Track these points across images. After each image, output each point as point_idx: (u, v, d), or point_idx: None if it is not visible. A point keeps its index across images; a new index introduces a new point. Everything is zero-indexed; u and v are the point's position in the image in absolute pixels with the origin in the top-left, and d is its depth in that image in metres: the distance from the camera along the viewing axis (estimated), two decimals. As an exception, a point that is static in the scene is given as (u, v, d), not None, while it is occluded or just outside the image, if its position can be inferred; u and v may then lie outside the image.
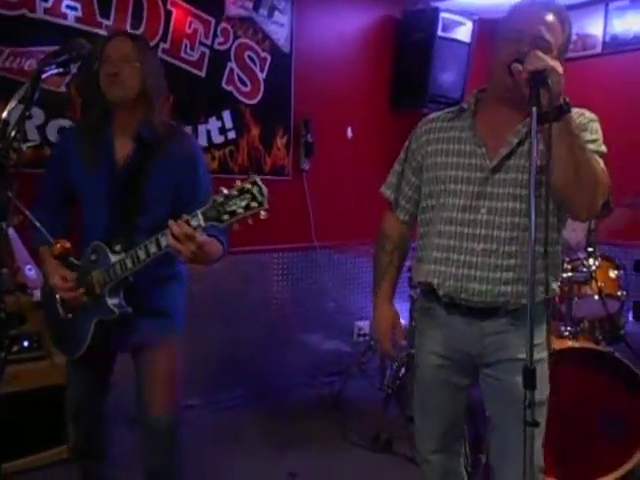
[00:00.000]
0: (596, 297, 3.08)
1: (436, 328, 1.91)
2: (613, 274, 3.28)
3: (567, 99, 1.55)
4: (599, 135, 1.76)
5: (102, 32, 3.18)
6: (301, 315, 4.24)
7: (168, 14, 3.42)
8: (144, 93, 2.00)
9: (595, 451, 2.71)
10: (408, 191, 1.99)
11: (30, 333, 2.78)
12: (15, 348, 2.79)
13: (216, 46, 3.63)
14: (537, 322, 1.81)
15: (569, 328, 2.94)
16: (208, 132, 3.67)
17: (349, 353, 4.35)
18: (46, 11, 3.03)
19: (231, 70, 3.71)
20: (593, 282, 3.06)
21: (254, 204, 1.62)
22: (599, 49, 4.37)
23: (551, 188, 1.57)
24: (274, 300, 4.13)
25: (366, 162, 4.33)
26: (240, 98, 3.77)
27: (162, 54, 3.42)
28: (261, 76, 3.84)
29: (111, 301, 1.96)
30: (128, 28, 3.27)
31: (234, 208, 1.62)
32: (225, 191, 1.62)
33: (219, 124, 3.71)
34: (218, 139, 3.72)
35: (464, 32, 4.29)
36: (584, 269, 3.06)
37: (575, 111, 1.74)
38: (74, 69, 1.93)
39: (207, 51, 3.60)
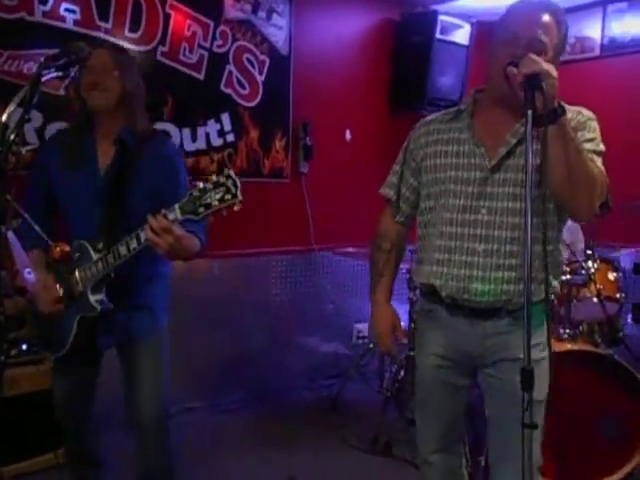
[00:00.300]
0: (595, 300, 3.08)
1: (437, 330, 1.91)
2: (612, 276, 3.29)
3: (562, 102, 1.56)
4: (597, 134, 1.76)
5: (101, 35, 3.19)
6: (300, 318, 4.24)
7: (167, 17, 3.42)
8: (124, 100, 2.09)
9: (594, 453, 2.71)
10: (406, 192, 1.99)
11: (29, 336, 2.77)
12: (14, 352, 2.79)
13: (215, 49, 3.63)
14: (537, 322, 1.81)
15: (568, 331, 2.95)
16: (207, 135, 3.67)
17: (348, 356, 4.34)
18: (45, 14, 3.03)
19: (230, 73, 3.71)
20: (592, 284, 3.06)
21: (228, 196, 1.70)
22: (597, 52, 4.39)
23: (549, 188, 1.57)
24: (273, 303, 4.12)
25: (365, 165, 4.33)
26: (239, 101, 3.77)
27: (161, 57, 3.43)
28: (260, 79, 3.84)
29: (93, 297, 2.01)
30: (126, 31, 3.28)
31: (209, 201, 1.70)
32: (201, 185, 1.71)
33: (218, 127, 3.71)
34: (217, 142, 3.72)
35: (462, 35, 4.30)
36: (583, 271, 3.06)
37: (573, 109, 1.75)
38: (73, 72, 1.95)
39: (206, 54, 3.60)
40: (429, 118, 1.96)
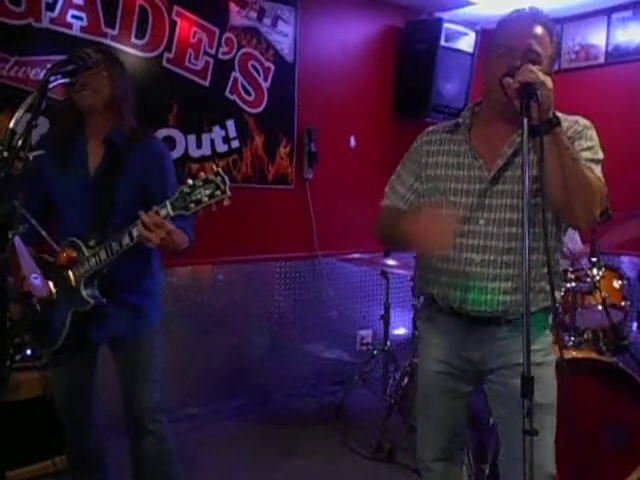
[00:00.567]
0: (600, 307, 3.07)
1: (438, 336, 1.92)
2: (617, 284, 3.27)
3: (556, 113, 1.57)
4: (595, 142, 1.76)
5: (107, 42, 3.20)
6: (303, 324, 4.23)
7: (173, 24, 3.44)
8: (113, 101, 2.14)
9: (600, 462, 2.70)
10: (406, 193, 1.96)
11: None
12: (18, 357, 2.79)
13: (220, 55, 3.65)
14: (539, 329, 1.81)
15: (573, 338, 2.94)
16: (212, 141, 3.68)
17: (351, 362, 4.33)
18: (52, 21, 3.05)
19: (235, 79, 3.72)
20: (597, 292, 3.05)
21: (218, 192, 1.77)
22: (602, 59, 4.39)
23: (547, 198, 1.58)
24: (277, 309, 4.12)
25: (369, 171, 4.33)
26: (244, 107, 3.79)
27: (167, 63, 3.44)
28: (265, 85, 3.86)
29: (85, 292, 2.06)
30: (133, 38, 3.30)
31: (199, 197, 1.77)
32: (190, 182, 1.78)
33: (223, 133, 3.72)
34: (222, 148, 3.73)
35: (467, 42, 4.31)
36: (588, 279, 3.05)
37: (569, 119, 1.77)
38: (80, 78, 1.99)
39: (211, 60, 3.61)
40: (430, 129, 1.98)
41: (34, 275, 2.01)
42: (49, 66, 1.64)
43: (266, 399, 4.03)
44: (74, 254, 2.06)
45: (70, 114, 2.18)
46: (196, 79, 3.57)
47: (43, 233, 2.06)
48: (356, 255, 4.18)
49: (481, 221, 1.78)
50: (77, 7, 3.11)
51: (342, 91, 4.23)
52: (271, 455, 3.30)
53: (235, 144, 3.78)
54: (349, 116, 4.29)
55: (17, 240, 1.83)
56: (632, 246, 3.78)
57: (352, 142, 4.34)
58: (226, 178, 1.78)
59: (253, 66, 3.79)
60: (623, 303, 3.25)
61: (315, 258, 4.19)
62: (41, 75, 2.95)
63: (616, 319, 3.13)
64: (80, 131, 2.19)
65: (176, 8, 3.44)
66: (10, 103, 2.88)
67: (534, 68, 1.57)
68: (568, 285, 3.05)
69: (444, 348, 1.90)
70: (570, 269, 3.09)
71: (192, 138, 3.59)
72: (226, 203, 1.78)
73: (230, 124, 3.74)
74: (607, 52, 4.36)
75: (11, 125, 1.40)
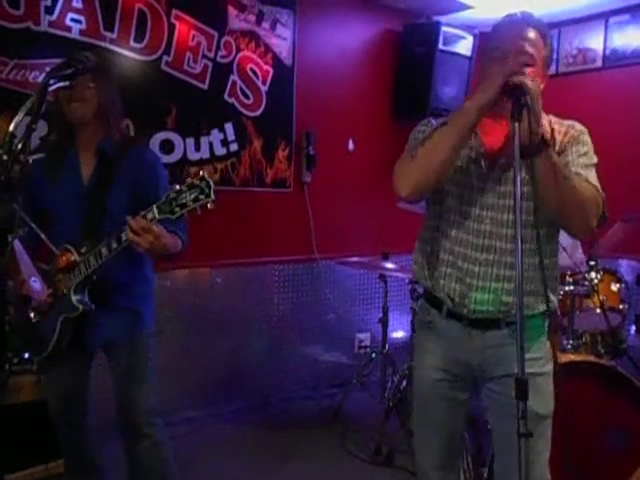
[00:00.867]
0: (598, 310, 3.08)
1: (436, 341, 1.92)
2: (615, 287, 3.28)
3: (546, 135, 1.59)
4: (590, 147, 1.78)
5: (106, 45, 3.20)
6: (302, 327, 4.23)
7: (171, 27, 3.44)
8: (101, 111, 2.16)
9: (598, 465, 2.69)
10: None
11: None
12: (16, 360, 2.78)
13: (219, 59, 3.65)
14: (537, 334, 1.82)
15: (571, 341, 2.95)
16: (210, 144, 3.68)
17: (350, 365, 4.33)
18: (51, 24, 3.05)
19: (234, 83, 3.73)
20: (595, 295, 3.06)
21: (202, 196, 1.81)
22: (599, 63, 4.40)
23: (541, 214, 1.61)
24: (275, 312, 4.12)
25: (367, 175, 4.34)
26: (242, 110, 3.79)
27: (165, 67, 3.44)
28: (263, 89, 3.86)
29: (75, 298, 2.09)
30: (131, 41, 3.30)
31: (184, 201, 1.82)
32: (177, 187, 1.83)
33: (221, 136, 3.72)
34: (220, 151, 3.73)
35: (465, 46, 4.32)
36: (586, 282, 3.06)
37: (565, 123, 1.79)
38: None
39: (210, 64, 3.62)
40: (434, 121, 1.91)
41: (33, 278, 2.01)
42: (48, 69, 1.64)
43: (265, 402, 4.03)
44: (72, 257, 2.07)
45: (61, 125, 2.21)
46: (195, 82, 3.57)
47: (43, 236, 2.07)
48: (354, 258, 4.18)
49: (487, 220, 1.79)
50: (76, 10, 3.11)
51: (340, 94, 4.24)
52: (270, 458, 3.29)
53: (234, 147, 3.78)
54: (347, 119, 4.29)
55: (17, 243, 1.84)
56: (630, 249, 3.79)
57: (350, 145, 4.35)
58: (211, 182, 1.81)
59: (252, 69, 3.80)
60: (621, 306, 3.26)
61: (313, 261, 4.19)
62: (40, 78, 2.95)
63: (614, 322, 3.14)
64: (71, 142, 2.22)
65: (175, 12, 3.45)
66: (9, 106, 2.88)
67: (527, 76, 1.59)
68: (566, 288, 3.06)
69: (442, 354, 1.90)
70: (568, 272, 3.10)
71: (191, 141, 3.60)
72: (210, 207, 1.81)
73: (229, 127, 3.75)
74: (605, 56, 4.37)
75: (11, 128, 1.39)
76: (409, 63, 4.36)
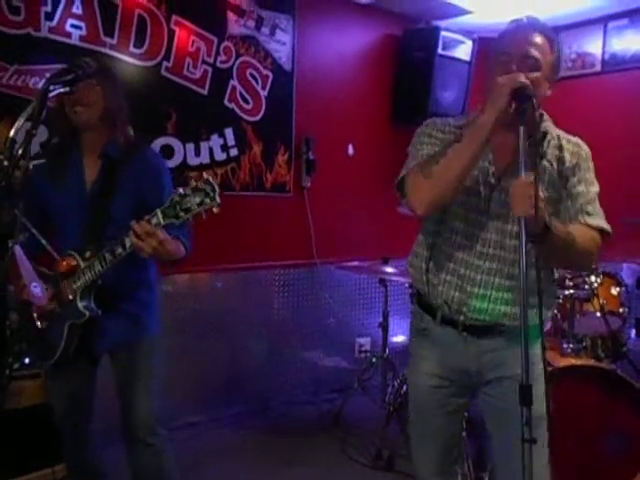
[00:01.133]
0: (598, 314, 3.08)
1: (431, 348, 1.91)
2: (615, 291, 3.28)
3: (549, 223, 1.58)
4: (593, 171, 1.81)
5: (106, 51, 3.21)
6: (302, 332, 4.23)
7: (171, 33, 3.45)
8: (107, 114, 2.14)
9: (598, 469, 2.69)
10: (432, 147, 1.84)
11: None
12: (16, 365, 2.78)
13: (218, 64, 3.66)
14: (533, 340, 1.81)
15: (571, 345, 2.94)
16: (210, 149, 3.69)
17: (350, 370, 4.32)
18: (51, 30, 3.05)
19: (233, 88, 3.74)
20: (595, 299, 3.06)
21: (207, 200, 1.77)
22: (598, 67, 4.41)
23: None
24: (275, 317, 4.12)
25: (367, 179, 4.35)
26: (242, 115, 3.80)
27: (165, 72, 3.45)
28: (263, 94, 3.87)
29: (81, 304, 2.07)
30: (131, 47, 3.31)
31: (189, 205, 1.78)
32: (181, 190, 1.78)
33: (221, 141, 3.73)
34: (220, 156, 3.73)
35: (464, 50, 4.33)
36: (586, 286, 3.07)
37: (572, 141, 1.81)
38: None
39: (209, 69, 3.62)
40: (439, 124, 1.89)
41: (34, 284, 2.01)
42: (48, 75, 1.65)
43: (265, 407, 4.02)
44: (74, 262, 2.06)
45: (65, 129, 2.18)
46: (194, 88, 3.58)
47: (43, 242, 2.06)
48: (355, 263, 4.18)
49: (492, 229, 1.79)
50: (76, 16, 3.12)
51: (340, 99, 4.24)
52: (270, 463, 3.29)
53: (233, 152, 3.79)
54: (347, 124, 4.30)
55: (17, 249, 1.83)
56: (630, 253, 3.79)
57: (350, 150, 4.35)
58: (216, 186, 1.77)
59: (251, 75, 3.81)
60: (621, 310, 3.26)
61: (313, 266, 4.19)
62: (40, 84, 2.96)
63: (614, 326, 3.14)
64: (75, 146, 2.19)
65: (174, 17, 3.46)
66: (9, 112, 2.88)
67: (525, 75, 1.60)
68: (566, 292, 3.06)
69: (437, 361, 1.89)
70: (569, 276, 3.10)
71: (190, 146, 3.60)
72: (216, 211, 1.78)
73: (228, 132, 3.75)
74: (603, 60, 4.39)
75: (11, 134, 1.39)
76: (408, 68, 4.38)
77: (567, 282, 3.08)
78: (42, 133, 3.02)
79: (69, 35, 3.11)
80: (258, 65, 3.83)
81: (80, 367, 2.24)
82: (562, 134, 1.83)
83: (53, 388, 2.31)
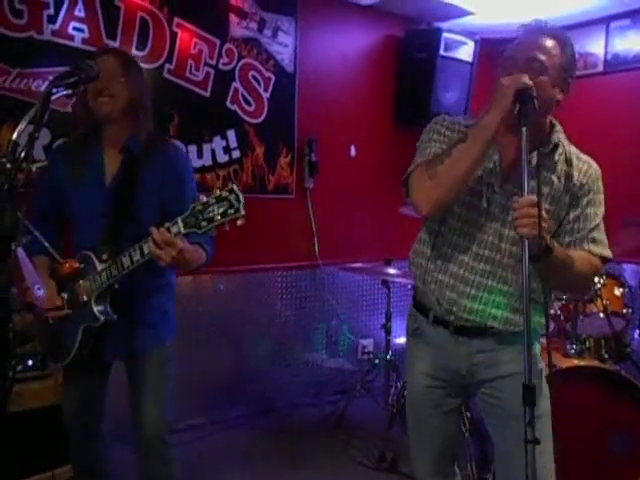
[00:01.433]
0: (601, 315, 3.07)
1: (424, 348, 1.93)
2: (618, 292, 3.27)
3: (551, 243, 1.61)
4: (602, 192, 1.82)
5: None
6: (305, 333, 4.23)
7: (173, 35, 3.46)
8: (130, 106, 2.07)
9: (602, 470, 2.69)
10: (441, 145, 1.83)
11: (34, 352, 2.77)
12: (19, 367, 2.79)
13: (221, 66, 3.67)
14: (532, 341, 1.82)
15: (575, 346, 2.94)
16: (213, 151, 3.69)
17: (353, 372, 4.33)
18: (53, 33, 3.06)
19: (235, 90, 3.74)
20: (598, 300, 3.05)
21: (231, 211, 1.68)
22: (601, 68, 4.41)
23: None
24: (278, 318, 4.12)
25: (369, 181, 4.35)
26: (244, 117, 3.80)
27: (167, 74, 3.46)
28: (265, 96, 3.87)
29: (97, 308, 2.01)
30: (134, 49, 3.31)
31: (211, 215, 1.69)
32: (204, 198, 1.70)
33: (224, 143, 3.74)
34: (222, 158, 3.74)
35: (466, 52, 4.33)
36: (589, 287, 3.05)
37: (583, 159, 1.81)
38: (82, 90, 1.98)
39: (212, 71, 3.63)
40: (448, 121, 1.87)
41: (37, 286, 2.00)
42: (51, 78, 1.64)
43: (268, 408, 4.02)
44: (76, 265, 2.03)
45: (86, 122, 2.12)
46: (197, 90, 3.59)
47: (46, 244, 2.02)
48: (357, 264, 4.18)
49: (490, 231, 1.79)
50: (78, 19, 3.13)
51: (342, 101, 4.25)
52: (274, 465, 3.29)
53: (236, 154, 3.79)
54: (349, 126, 4.30)
55: (20, 251, 1.83)
56: (633, 254, 3.78)
57: (352, 151, 4.35)
58: (241, 196, 1.68)
59: (253, 76, 3.81)
60: (625, 311, 3.24)
61: (316, 267, 4.19)
62: (43, 87, 2.97)
63: (618, 327, 3.13)
64: (96, 140, 2.13)
65: (177, 20, 3.46)
66: (12, 115, 2.89)
67: (529, 76, 1.60)
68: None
69: (430, 361, 1.91)
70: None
71: (193, 148, 3.61)
72: (239, 223, 1.70)
73: (231, 134, 3.76)
74: (606, 60, 4.38)
75: (14, 137, 1.40)
76: (410, 69, 4.38)
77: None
78: (45, 136, 3.04)
79: (72, 38, 3.12)
80: (260, 67, 3.83)
81: (94, 371, 2.21)
82: (573, 149, 1.82)
83: (66, 390, 2.28)
